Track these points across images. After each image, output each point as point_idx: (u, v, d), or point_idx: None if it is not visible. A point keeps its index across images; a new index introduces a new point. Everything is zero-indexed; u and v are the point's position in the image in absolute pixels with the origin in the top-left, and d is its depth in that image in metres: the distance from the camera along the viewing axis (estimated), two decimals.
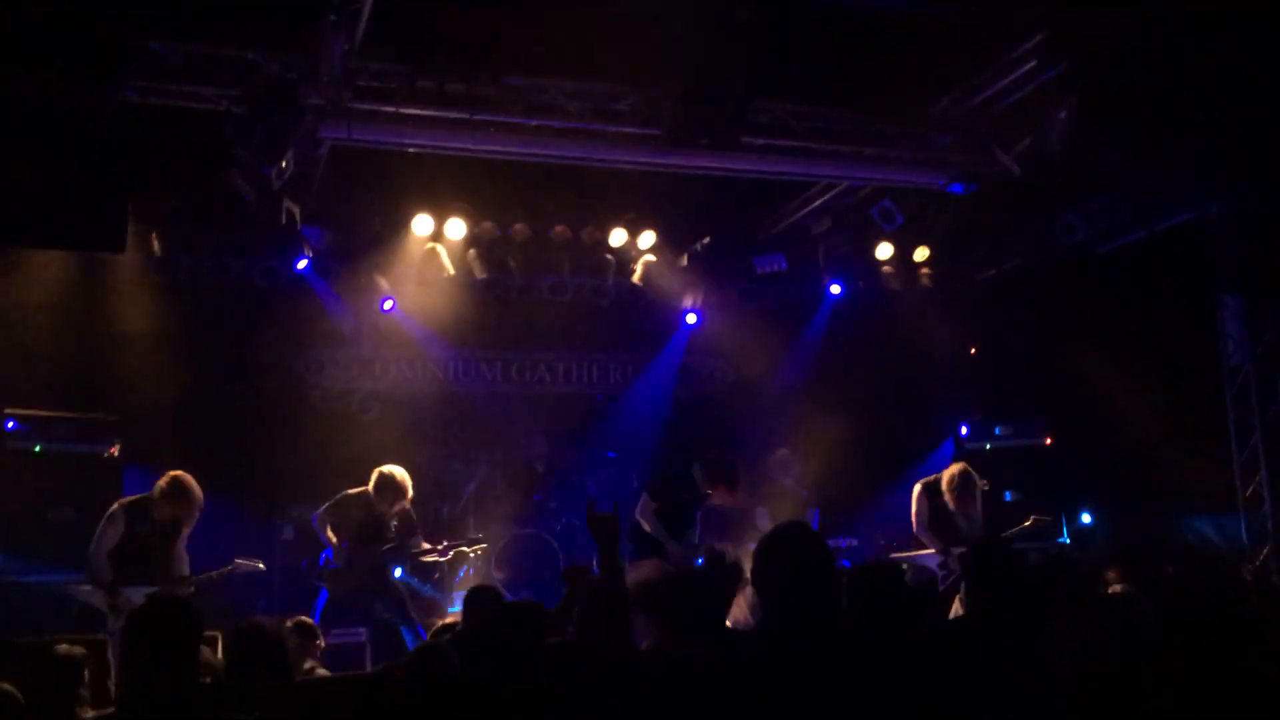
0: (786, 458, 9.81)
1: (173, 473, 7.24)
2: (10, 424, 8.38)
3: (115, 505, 7.25)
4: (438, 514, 9.89)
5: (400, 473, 8.05)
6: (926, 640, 3.98)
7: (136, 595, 7.01)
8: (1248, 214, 8.74)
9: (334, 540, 7.90)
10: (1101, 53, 7.44)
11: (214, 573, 7.38)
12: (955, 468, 8.25)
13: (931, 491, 8.24)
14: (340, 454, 8.27)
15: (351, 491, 8.08)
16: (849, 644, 3.24)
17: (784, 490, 9.60)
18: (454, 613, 7.76)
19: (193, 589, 7.17)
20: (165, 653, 3.50)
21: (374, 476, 8.04)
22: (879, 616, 3.86)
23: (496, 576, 9.06)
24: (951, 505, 8.07)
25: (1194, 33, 7.13)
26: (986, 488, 8.38)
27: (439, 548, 8.42)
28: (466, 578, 9.27)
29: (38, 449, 8.38)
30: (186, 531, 7.28)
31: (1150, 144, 8.58)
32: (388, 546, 7.98)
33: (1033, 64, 7.47)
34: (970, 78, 7.91)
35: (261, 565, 7.65)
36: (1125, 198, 9.28)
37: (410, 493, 8.06)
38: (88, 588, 7.11)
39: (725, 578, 4.43)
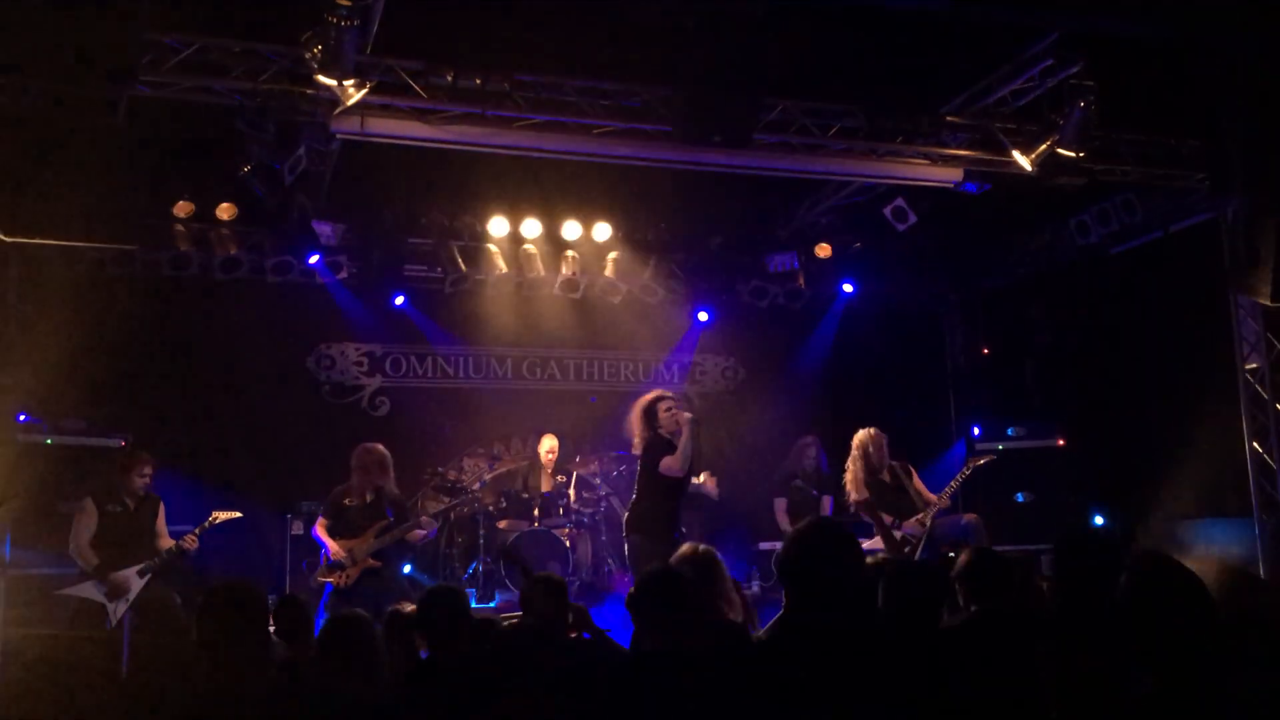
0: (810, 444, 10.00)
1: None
2: (22, 417, 8.41)
3: (85, 497, 7.40)
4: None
5: (377, 446, 7.92)
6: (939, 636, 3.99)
7: (130, 575, 7.12)
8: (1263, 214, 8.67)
9: (337, 549, 7.53)
10: (1117, 52, 7.40)
11: (195, 530, 7.46)
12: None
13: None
14: (350, 450, 8.26)
15: (337, 489, 7.89)
16: (878, 636, 3.24)
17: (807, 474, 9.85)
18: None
19: (195, 547, 7.38)
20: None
21: (354, 455, 7.88)
22: (912, 612, 3.87)
23: (505, 573, 9.05)
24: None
25: (1211, 32, 7.09)
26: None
27: (431, 515, 8.23)
28: (476, 573, 9.29)
29: (49, 442, 8.41)
30: (161, 510, 7.53)
31: (1165, 144, 8.56)
32: (383, 525, 7.64)
33: (1048, 63, 7.43)
34: (985, 76, 7.87)
35: (239, 514, 7.74)
36: (1140, 198, 9.23)
37: (390, 466, 7.88)
38: (78, 586, 7.17)
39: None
